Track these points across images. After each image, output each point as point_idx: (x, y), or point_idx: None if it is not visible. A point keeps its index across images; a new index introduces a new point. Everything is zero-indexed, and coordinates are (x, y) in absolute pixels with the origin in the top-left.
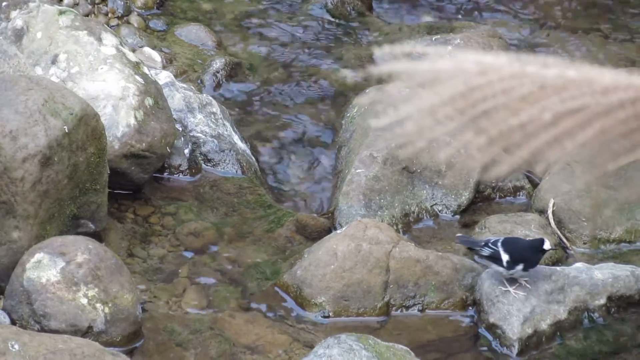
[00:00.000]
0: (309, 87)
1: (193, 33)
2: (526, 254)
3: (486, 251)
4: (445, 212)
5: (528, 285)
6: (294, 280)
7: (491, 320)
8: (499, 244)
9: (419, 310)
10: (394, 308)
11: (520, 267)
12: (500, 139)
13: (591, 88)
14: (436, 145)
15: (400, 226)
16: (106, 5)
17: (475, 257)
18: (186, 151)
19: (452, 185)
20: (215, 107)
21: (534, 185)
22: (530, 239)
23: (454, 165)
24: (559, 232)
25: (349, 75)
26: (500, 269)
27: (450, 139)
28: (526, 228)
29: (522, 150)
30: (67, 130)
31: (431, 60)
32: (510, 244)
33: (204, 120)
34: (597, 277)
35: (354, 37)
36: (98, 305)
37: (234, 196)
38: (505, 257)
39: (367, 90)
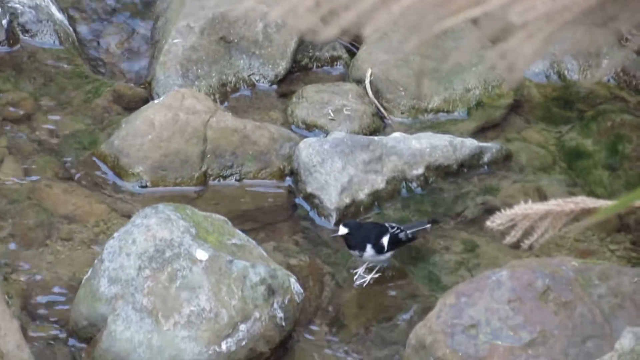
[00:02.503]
0: None
1: None
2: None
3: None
4: (263, 82)
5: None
6: (112, 150)
7: (309, 190)
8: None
9: (236, 180)
10: (211, 178)
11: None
12: (328, 1)
13: None
14: (265, 7)
15: (217, 96)
16: None
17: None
18: (4, 22)
19: (269, 55)
20: None
21: (352, 54)
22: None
23: (271, 35)
24: (376, 102)
25: None
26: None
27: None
28: (344, 98)
29: (349, 12)
30: None
31: None
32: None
33: None
34: (415, 147)
35: None
36: None
37: (52, 67)
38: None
39: None
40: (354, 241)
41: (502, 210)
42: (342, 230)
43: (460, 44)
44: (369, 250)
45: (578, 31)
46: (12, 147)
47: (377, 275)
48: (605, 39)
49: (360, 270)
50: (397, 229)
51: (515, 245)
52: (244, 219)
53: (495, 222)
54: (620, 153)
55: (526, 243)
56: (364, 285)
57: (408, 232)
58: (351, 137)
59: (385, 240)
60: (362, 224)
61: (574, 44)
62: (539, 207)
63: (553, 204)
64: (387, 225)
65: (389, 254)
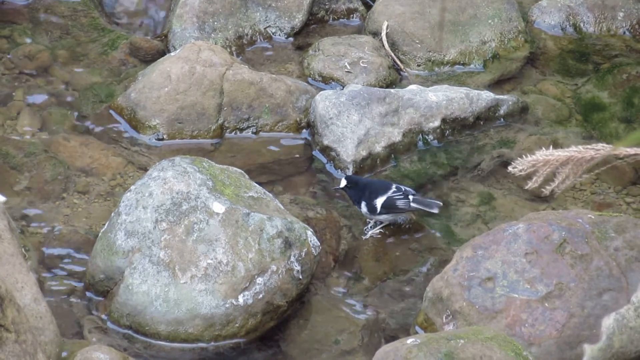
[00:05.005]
0: None
1: None
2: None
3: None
4: (279, 35)
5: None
6: (128, 103)
7: (325, 142)
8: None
9: (253, 132)
10: (228, 130)
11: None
12: None
13: None
14: None
15: (234, 49)
16: None
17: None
18: None
19: (286, 7)
20: None
21: (368, 7)
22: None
23: None
24: (392, 54)
25: None
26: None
27: None
28: (360, 50)
29: None
30: None
31: None
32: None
33: None
34: (431, 100)
35: None
36: None
37: (68, 19)
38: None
39: None
40: (352, 196)
41: (524, 156)
42: (342, 182)
43: None
44: (363, 207)
45: None
46: (28, 100)
47: (377, 231)
48: None
49: (369, 226)
50: (401, 193)
51: (533, 197)
52: (260, 171)
53: (516, 167)
54: (635, 105)
55: (547, 189)
56: (364, 238)
57: (412, 204)
58: (367, 90)
59: (379, 201)
60: (362, 180)
61: None
62: (560, 154)
63: (574, 151)
64: (393, 186)
65: (385, 216)
